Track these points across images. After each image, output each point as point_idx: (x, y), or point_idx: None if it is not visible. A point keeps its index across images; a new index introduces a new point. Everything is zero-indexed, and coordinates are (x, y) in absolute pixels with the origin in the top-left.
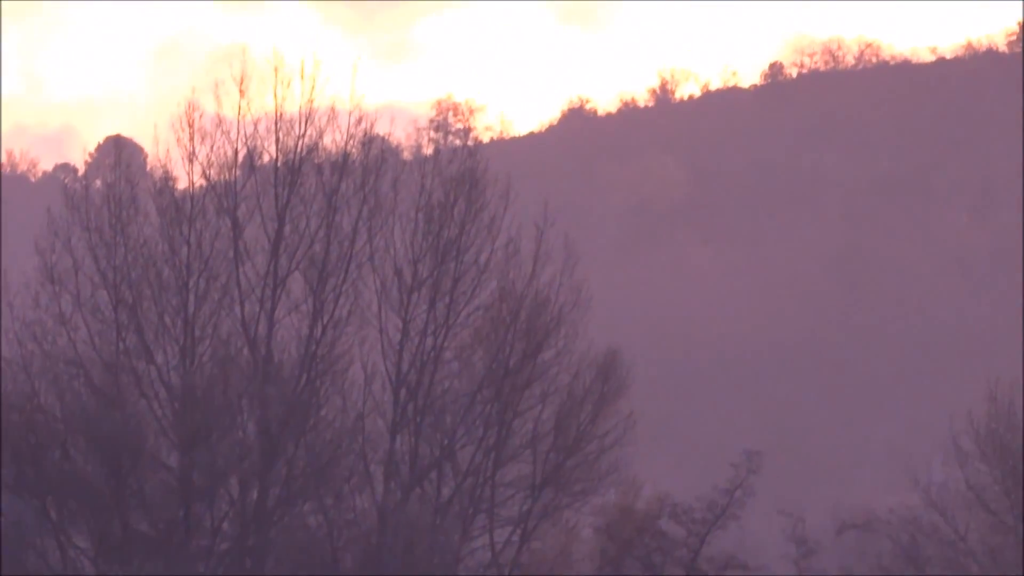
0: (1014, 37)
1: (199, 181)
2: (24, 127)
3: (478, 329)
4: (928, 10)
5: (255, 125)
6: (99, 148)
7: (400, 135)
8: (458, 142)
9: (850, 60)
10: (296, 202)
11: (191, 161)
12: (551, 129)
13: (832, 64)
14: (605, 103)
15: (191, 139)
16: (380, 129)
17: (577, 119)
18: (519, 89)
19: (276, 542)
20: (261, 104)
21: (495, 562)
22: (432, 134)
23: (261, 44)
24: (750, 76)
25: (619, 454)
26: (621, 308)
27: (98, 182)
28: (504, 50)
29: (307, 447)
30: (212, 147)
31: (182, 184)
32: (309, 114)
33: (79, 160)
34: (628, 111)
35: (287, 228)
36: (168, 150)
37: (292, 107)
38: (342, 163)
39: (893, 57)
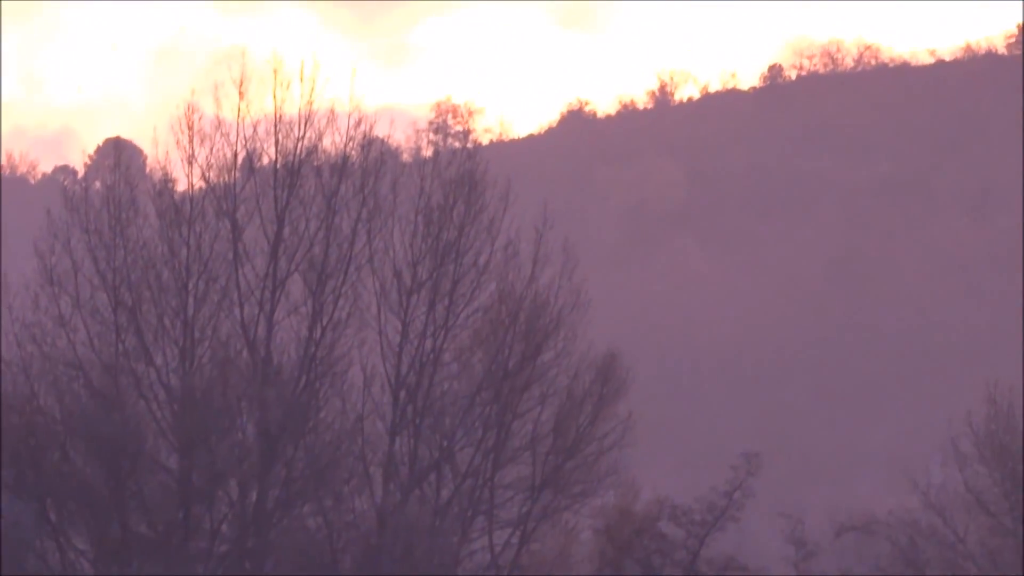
0: (1013, 39)
1: (198, 183)
2: (23, 129)
3: (477, 331)
4: (927, 12)
5: (254, 127)
6: (98, 150)
7: (399, 137)
8: (457, 144)
9: (849, 62)
10: (295, 204)
11: (190, 163)
12: (550, 131)
13: (831, 66)
14: (604, 105)
15: (190, 141)
16: (379, 131)
17: (576, 121)
18: (518, 91)
19: (275, 544)
20: (260, 106)
21: (494, 564)
22: (431, 136)
23: (261, 46)
24: (749, 78)
25: (618, 456)
26: (620, 310)
27: (97, 184)
28: (503, 52)
29: (306, 449)
30: (211, 149)
31: (181, 186)
32: (308, 116)
33: (79, 162)
34: (627, 113)
35: (286, 230)
36: (167, 152)
37: (291, 109)
38: (341, 165)
39: (892, 59)
